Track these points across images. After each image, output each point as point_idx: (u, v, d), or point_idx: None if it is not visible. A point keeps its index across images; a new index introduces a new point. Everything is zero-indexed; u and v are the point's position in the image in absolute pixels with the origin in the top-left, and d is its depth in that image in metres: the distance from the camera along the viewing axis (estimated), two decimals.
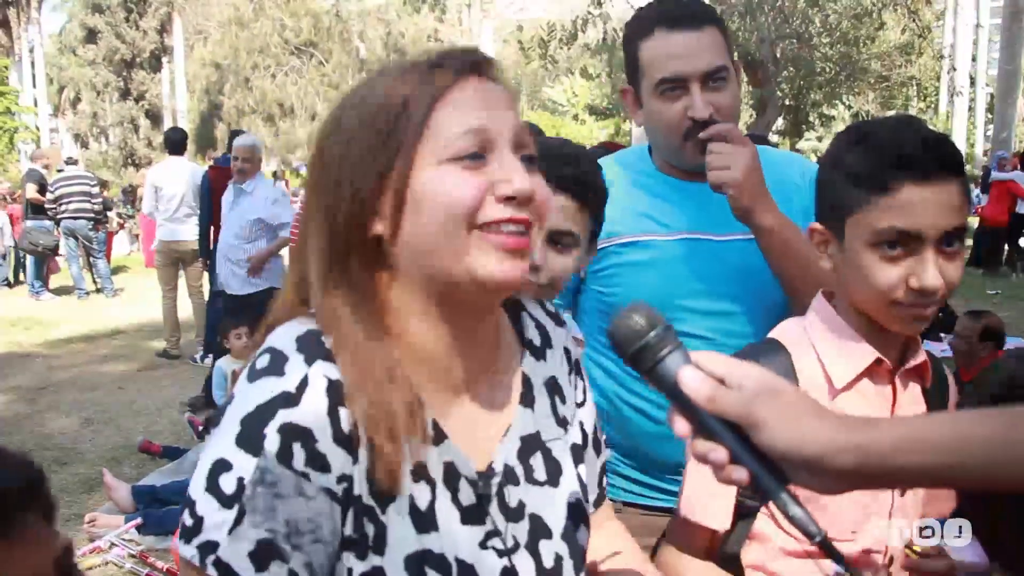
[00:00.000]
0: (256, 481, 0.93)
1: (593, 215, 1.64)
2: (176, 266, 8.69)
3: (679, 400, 0.92)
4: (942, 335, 8.45)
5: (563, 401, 1.20)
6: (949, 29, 28.78)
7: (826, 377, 1.43)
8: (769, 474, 0.89)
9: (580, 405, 1.25)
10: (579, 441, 1.22)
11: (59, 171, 12.39)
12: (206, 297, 8.52)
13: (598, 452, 1.30)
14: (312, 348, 0.99)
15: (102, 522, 4.52)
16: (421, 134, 0.98)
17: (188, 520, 0.96)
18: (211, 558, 0.94)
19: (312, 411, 0.95)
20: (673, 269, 1.85)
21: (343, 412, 0.97)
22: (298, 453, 0.94)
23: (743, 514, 1.45)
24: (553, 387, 1.19)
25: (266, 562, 0.94)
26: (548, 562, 1.11)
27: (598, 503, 1.31)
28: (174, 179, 8.55)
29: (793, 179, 1.94)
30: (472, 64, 1.03)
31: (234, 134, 9.21)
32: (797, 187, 1.92)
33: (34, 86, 34.96)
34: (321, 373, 0.97)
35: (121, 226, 17.52)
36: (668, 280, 1.85)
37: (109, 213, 14.90)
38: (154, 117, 37.11)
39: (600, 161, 2.16)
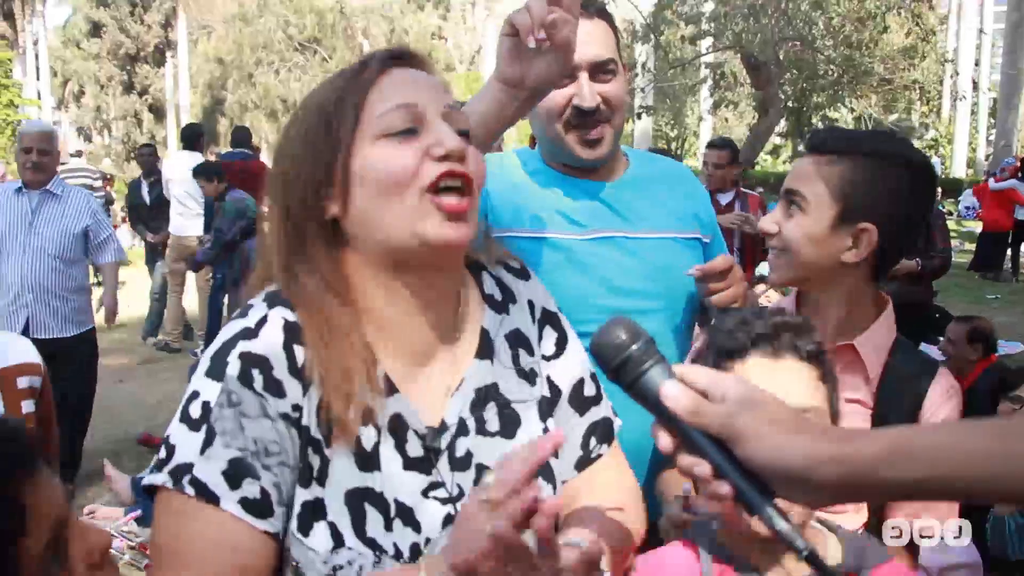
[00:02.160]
0: (222, 403, 1.02)
1: None
2: (185, 260, 8.72)
3: (662, 414, 0.92)
4: (940, 339, 8.46)
5: (530, 353, 1.23)
6: (952, 34, 28.75)
7: None
8: (753, 488, 0.88)
9: (550, 358, 1.26)
10: (547, 394, 1.23)
11: (62, 164, 12.40)
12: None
13: (580, 411, 1.28)
14: (275, 298, 1.11)
15: (101, 514, 4.55)
16: (357, 119, 1.08)
17: (162, 453, 1.03)
18: (187, 477, 1.00)
19: (269, 343, 1.06)
20: (590, 269, 1.82)
21: (298, 349, 1.07)
22: (257, 377, 1.03)
23: None
24: (517, 339, 1.23)
25: (239, 480, 1.01)
26: None
27: (580, 466, 1.27)
28: (185, 174, 8.58)
29: (684, 182, 2.02)
30: (395, 56, 1.14)
31: (237, 130, 9.24)
32: (687, 191, 2.00)
33: (38, 79, 34.97)
34: (279, 315, 1.09)
35: (124, 220, 17.49)
36: (586, 280, 1.81)
37: (111, 207, 14.89)
38: (157, 111, 37.12)
39: (496, 156, 2.10)
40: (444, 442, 1.13)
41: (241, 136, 8.98)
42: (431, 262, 1.11)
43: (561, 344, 1.28)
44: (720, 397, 0.89)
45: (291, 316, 1.09)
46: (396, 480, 1.09)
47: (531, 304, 1.28)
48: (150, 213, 8.95)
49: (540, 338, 1.27)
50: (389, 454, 1.10)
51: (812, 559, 0.87)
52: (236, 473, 1.01)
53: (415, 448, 1.12)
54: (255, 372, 1.04)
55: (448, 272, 1.16)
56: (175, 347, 8.74)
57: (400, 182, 1.06)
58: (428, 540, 1.09)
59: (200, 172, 8.11)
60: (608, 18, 1.84)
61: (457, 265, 1.18)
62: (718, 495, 0.89)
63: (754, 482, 0.88)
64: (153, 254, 9.18)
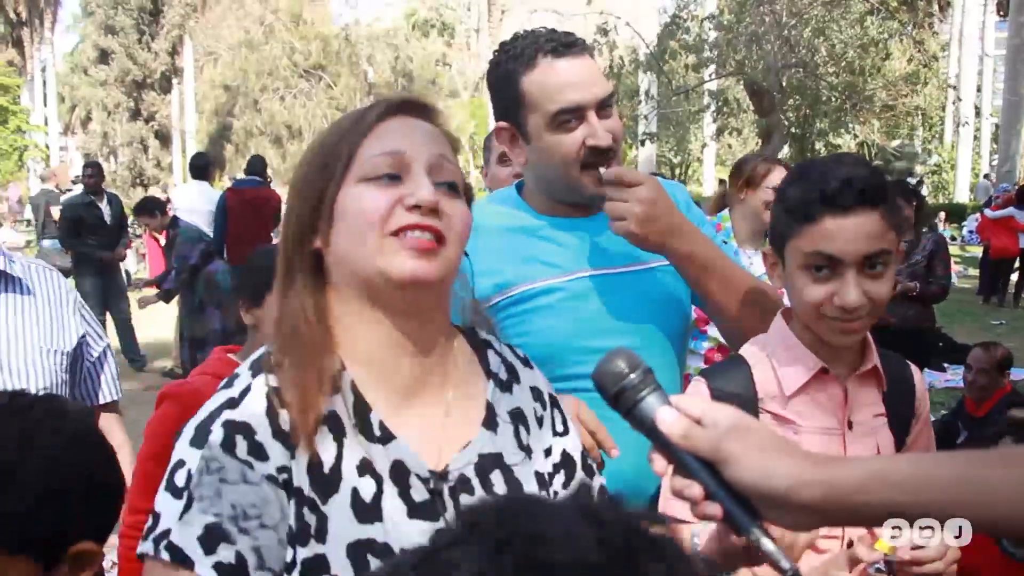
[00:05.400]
0: (201, 469, 1.05)
1: None
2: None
3: (657, 439, 0.97)
4: (945, 365, 8.45)
5: (528, 431, 1.28)
6: (954, 60, 28.93)
7: (778, 385, 1.58)
8: (742, 510, 0.92)
9: (562, 434, 1.33)
10: (548, 470, 1.29)
11: (67, 190, 12.45)
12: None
13: (590, 475, 1.37)
14: (260, 365, 1.15)
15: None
16: (350, 160, 1.14)
17: (150, 521, 1.06)
18: (163, 543, 1.02)
19: (251, 410, 1.10)
20: (576, 310, 1.80)
21: (282, 413, 1.10)
22: (240, 443, 1.06)
23: None
24: (518, 418, 1.27)
25: (214, 545, 1.02)
26: None
27: None
28: (195, 204, 8.63)
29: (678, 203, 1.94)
30: (399, 105, 1.20)
31: (254, 159, 9.30)
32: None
33: (45, 105, 35.29)
34: (263, 382, 1.13)
35: (128, 245, 17.53)
36: (572, 322, 1.78)
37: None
38: (163, 138, 37.39)
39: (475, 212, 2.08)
40: (446, 489, 1.16)
41: (256, 165, 9.06)
42: (401, 299, 1.14)
43: (565, 423, 1.35)
44: (712, 423, 0.94)
45: (274, 382, 1.12)
46: (401, 528, 1.10)
47: (536, 390, 1.33)
48: (107, 232, 8.93)
49: (552, 418, 1.33)
50: (392, 503, 1.11)
51: None
52: (211, 538, 1.02)
53: (420, 492, 1.14)
54: (239, 438, 1.07)
55: (428, 312, 1.18)
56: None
57: (369, 224, 1.11)
58: None
59: (143, 209, 8.12)
60: (592, 53, 1.84)
61: (435, 306, 1.20)
62: (708, 516, 0.94)
63: (742, 504, 0.92)
64: (89, 271, 8.91)
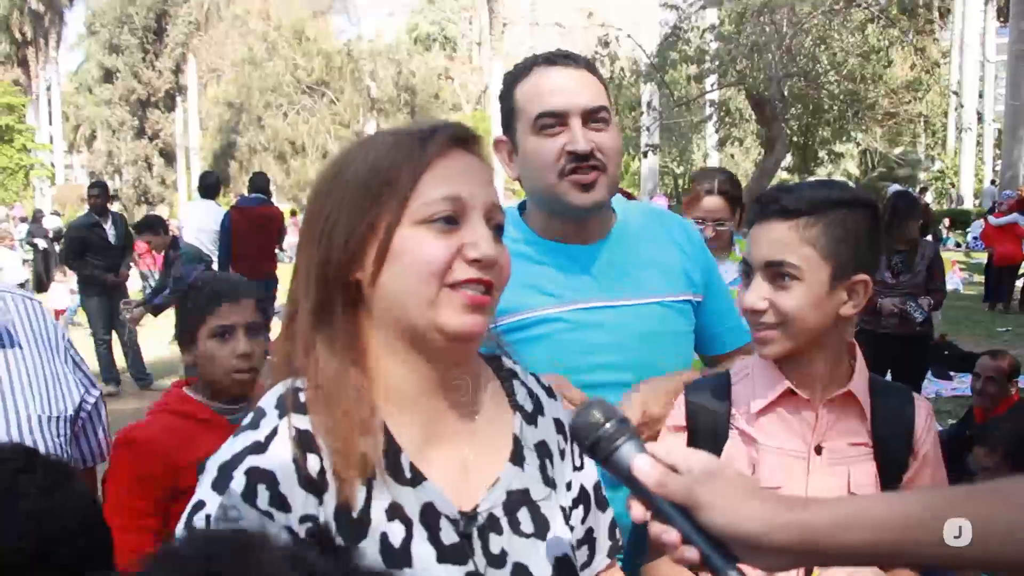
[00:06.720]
0: (219, 517, 1.02)
1: None
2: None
3: (634, 486, 1.00)
4: (951, 374, 8.42)
5: (552, 464, 1.26)
6: (956, 66, 28.94)
7: (748, 403, 1.58)
8: (718, 553, 0.94)
9: (578, 468, 1.31)
10: (568, 504, 1.27)
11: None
12: None
13: (602, 509, 1.34)
14: (288, 403, 1.10)
15: None
16: (408, 197, 1.09)
17: None
18: None
19: (277, 457, 1.05)
20: (574, 342, 1.77)
21: (311, 458, 1.06)
22: (262, 494, 1.03)
23: None
24: (543, 451, 1.26)
25: None
26: None
27: (611, 553, 1.35)
28: (203, 223, 8.69)
29: (674, 236, 1.93)
30: (458, 139, 1.15)
31: (257, 176, 9.36)
32: (679, 245, 1.92)
33: (50, 124, 35.50)
34: (291, 424, 1.08)
35: (133, 263, 17.56)
36: (570, 354, 1.75)
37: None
38: (168, 155, 37.57)
39: None
40: (475, 530, 1.14)
41: (260, 182, 9.12)
42: (444, 348, 1.12)
43: (582, 456, 1.33)
44: (686, 470, 0.97)
45: (304, 423, 1.08)
46: (431, 573, 1.08)
47: (559, 422, 1.31)
48: (112, 253, 8.97)
49: (572, 452, 1.31)
50: (422, 548, 1.09)
51: None
52: None
53: (449, 535, 1.11)
54: (261, 488, 1.04)
55: (466, 356, 1.18)
56: None
57: (431, 273, 1.08)
58: None
59: (146, 227, 8.14)
60: (596, 72, 1.83)
61: (472, 353, 1.20)
62: (686, 560, 0.96)
63: (719, 547, 0.95)
64: (95, 291, 8.86)
